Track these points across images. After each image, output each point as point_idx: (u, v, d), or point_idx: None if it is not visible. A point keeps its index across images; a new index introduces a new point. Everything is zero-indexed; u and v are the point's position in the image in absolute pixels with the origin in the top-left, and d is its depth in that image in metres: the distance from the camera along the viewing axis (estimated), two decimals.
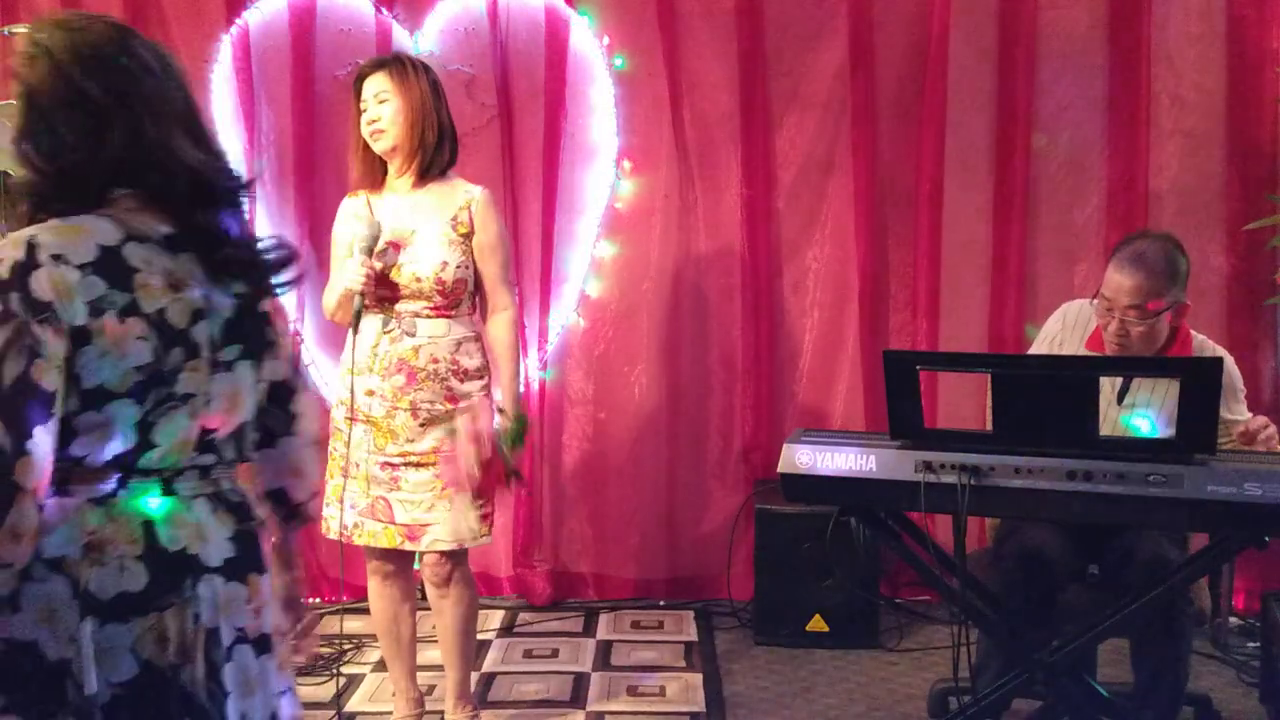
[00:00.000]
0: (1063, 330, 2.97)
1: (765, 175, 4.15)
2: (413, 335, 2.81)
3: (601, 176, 4.15)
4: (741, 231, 4.14)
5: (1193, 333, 2.87)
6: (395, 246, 2.81)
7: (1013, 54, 4.03)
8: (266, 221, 4.13)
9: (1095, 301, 2.80)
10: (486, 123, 4.10)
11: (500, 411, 2.87)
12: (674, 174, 4.14)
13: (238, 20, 4.06)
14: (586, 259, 4.18)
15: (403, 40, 4.08)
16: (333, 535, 2.91)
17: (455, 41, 4.12)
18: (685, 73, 4.12)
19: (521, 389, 4.06)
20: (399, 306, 2.82)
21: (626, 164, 4.15)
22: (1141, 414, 2.81)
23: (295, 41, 4.07)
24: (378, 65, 2.88)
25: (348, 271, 2.77)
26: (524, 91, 4.11)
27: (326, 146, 4.04)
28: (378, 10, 4.08)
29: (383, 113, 2.82)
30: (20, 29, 3.59)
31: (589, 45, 4.11)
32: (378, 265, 2.78)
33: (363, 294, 2.77)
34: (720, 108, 4.13)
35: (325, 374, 4.02)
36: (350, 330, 2.82)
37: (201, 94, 4.09)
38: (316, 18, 4.08)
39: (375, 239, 2.79)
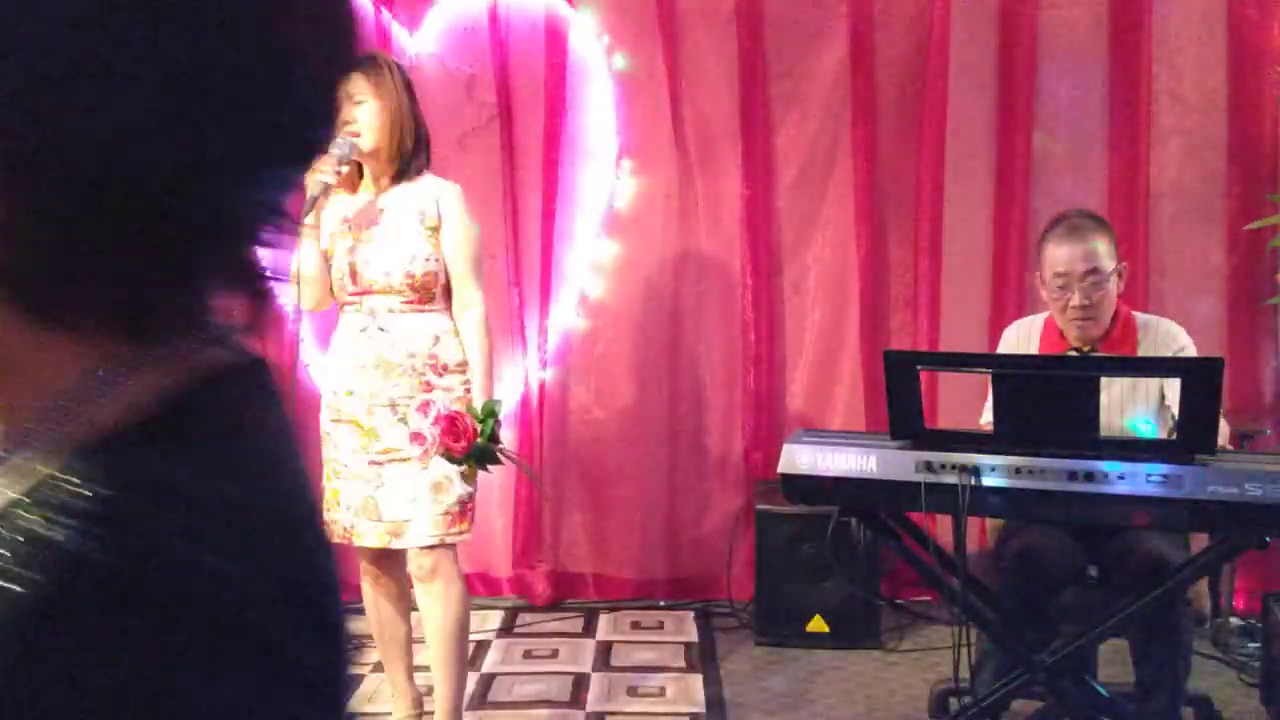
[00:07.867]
0: (1016, 350, 3.02)
1: (765, 175, 4.14)
2: (386, 331, 2.77)
3: (601, 176, 4.15)
4: (741, 231, 4.14)
5: (1132, 312, 2.95)
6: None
7: (1013, 54, 4.03)
8: None
9: (1045, 291, 2.88)
10: (486, 122, 4.10)
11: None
12: (674, 174, 4.13)
13: None
14: (586, 259, 4.18)
15: (402, 40, 4.08)
16: (337, 538, 2.90)
17: (455, 41, 4.12)
18: (685, 73, 4.12)
19: (517, 393, 4.14)
20: (370, 303, 2.78)
21: (626, 164, 4.15)
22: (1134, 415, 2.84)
23: None
24: None
25: (314, 173, 2.57)
26: (524, 91, 4.11)
27: None
28: (377, 10, 4.07)
29: (358, 115, 2.74)
30: None
31: (589, 45, 4.11)
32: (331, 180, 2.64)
33: (316, 196, 2.60)
34: (720, 108, 4.12)
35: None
36: (307, 215, 2.64)
37: None
38: None
39: (350, 149, 2.69)
